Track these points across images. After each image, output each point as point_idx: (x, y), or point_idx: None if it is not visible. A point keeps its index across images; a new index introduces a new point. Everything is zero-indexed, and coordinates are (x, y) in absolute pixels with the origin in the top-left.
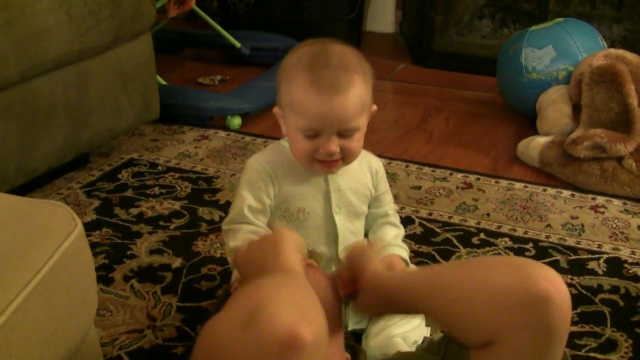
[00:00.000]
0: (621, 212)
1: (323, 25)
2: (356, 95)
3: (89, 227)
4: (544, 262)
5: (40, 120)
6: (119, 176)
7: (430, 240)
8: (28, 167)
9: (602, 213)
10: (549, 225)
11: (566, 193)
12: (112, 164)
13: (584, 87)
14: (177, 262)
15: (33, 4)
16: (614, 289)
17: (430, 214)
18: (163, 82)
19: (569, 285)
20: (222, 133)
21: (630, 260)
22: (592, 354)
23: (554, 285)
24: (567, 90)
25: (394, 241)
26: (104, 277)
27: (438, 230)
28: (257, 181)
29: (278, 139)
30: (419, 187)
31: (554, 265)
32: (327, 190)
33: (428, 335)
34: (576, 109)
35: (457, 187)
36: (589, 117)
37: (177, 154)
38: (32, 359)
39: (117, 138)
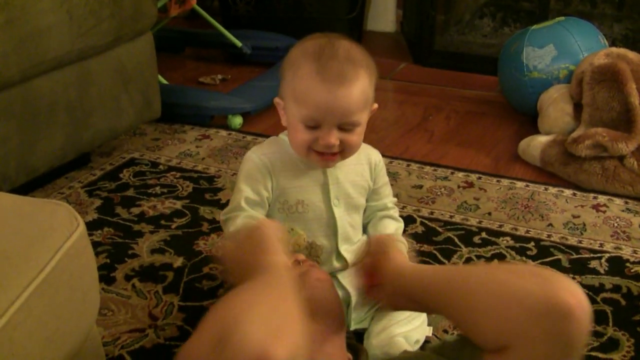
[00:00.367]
0: (623, 211)
1: (324, 25)
2: (360, 89)
3: (91, 227)
4: (546, 262)
5: (41, 120)
6: (120, 175)
7: (431, 240)
8: (29, 167)
9: (604, 212)
10: (550, 225)
11: (568, 192)
12: (113, 164)
13: (585, 86)
14: (178, 262)
15: (34, 3)
16: (616, 288)
17: (432, 213)
18: (164, 81)
19: None
20: (223, 132)
21: (632, 259)
22: (593, 353)
23: (578, 301)
24: (568, 89)
25: (393, 235)
26: (105, 276)
27: (439, 230)
28: (255, 174)
29: None
30: (420, 187)
31: (556, 264)
32: (326, 182)
33: (430, 335)
34: (577, 108)
35: (459, 186)
36: (590, 116)
37: (179, 153)
38: (35, 359)
39: (118, 137)
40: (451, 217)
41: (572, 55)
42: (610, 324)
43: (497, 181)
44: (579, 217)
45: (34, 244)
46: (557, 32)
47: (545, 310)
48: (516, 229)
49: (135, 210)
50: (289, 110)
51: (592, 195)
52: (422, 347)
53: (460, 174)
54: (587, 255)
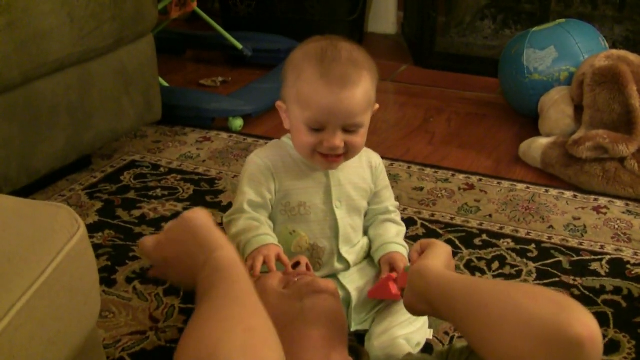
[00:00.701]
0: (623, 213)
1: (325, 27)
2: (363, 90)
3: (92, 229)
4: (546, 264)
5: (43, 122)
6: (121, 178)
7: None
8: (30, 169)
9: (605, 214)
10: (551, 227)
11: (568, 194)
12: (114, 166)
13: (586, 88)
14: None
15: (35, 6)
16: (617, 290)
17: (433, 215)
18: (165, 83)
19: (572, 286)
20: (224, 135)
21: (632, 261)
22: None
23: (590, 333)
24: (569, 91)
25: (395, 239)
26: (106, 278)
27: (440, 232)
28: (258, 176)
29: None
30: (421, 189)
31: (557, 266)
32: (328, 184)
33: (430, 337)
34: (578, 110)
35: (459, 189)
36: (591, 118)
37: (179, 156)
38: None
39: (119, 140)
40: (452, 219)
41: (572, 57)
42: (611, 326)
43: (498, 183)
44: (579, 219)
45: (35, 246)
46: (557, 34)
47: (555, 339)
48: (517, 231)
49: (136, 213)
50: (292, 113)
51: (592, 197)
52: (425, 350)
53: (461, 176)
54: (587, 257)
